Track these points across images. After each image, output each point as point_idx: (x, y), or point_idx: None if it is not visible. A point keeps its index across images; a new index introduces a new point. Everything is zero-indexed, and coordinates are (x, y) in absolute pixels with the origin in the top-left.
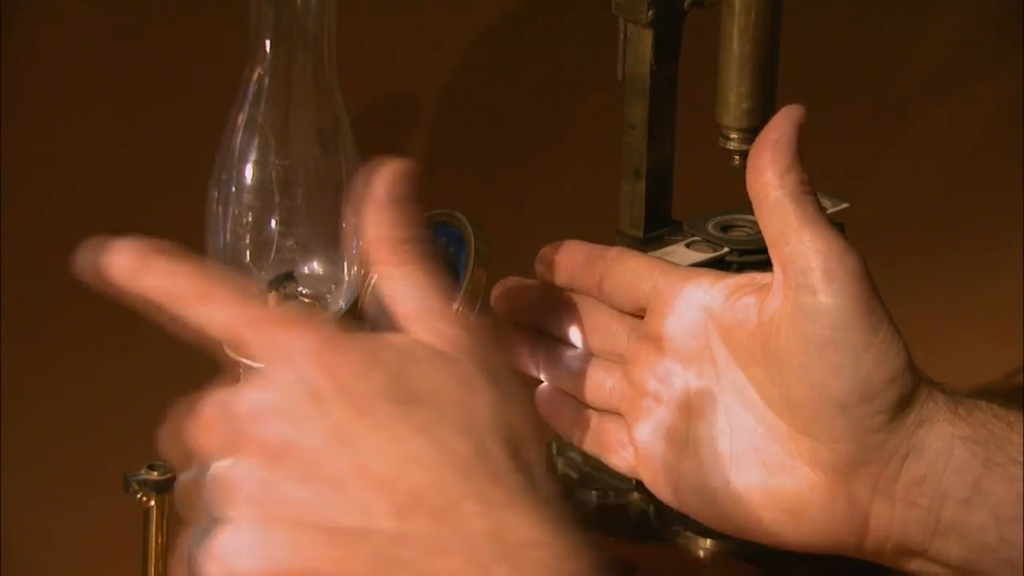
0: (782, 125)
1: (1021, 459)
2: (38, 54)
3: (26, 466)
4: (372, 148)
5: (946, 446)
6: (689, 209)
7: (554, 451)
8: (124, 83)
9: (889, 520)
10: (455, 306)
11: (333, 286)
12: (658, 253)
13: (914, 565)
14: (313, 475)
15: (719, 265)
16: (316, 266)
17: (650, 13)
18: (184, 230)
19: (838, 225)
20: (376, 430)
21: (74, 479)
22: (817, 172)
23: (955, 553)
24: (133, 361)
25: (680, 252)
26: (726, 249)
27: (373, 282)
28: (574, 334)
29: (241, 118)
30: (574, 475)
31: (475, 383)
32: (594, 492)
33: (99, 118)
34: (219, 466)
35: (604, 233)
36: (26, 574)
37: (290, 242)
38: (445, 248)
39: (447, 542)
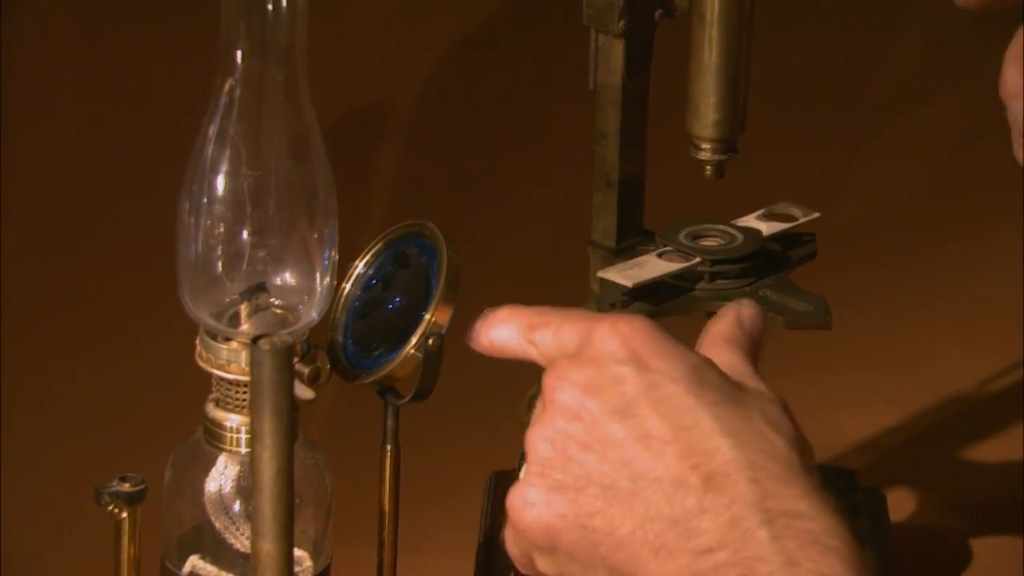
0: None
1: None
2: (8, 66)
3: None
4: (344, 158)
5: None
6: (662, 219)
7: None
8: (93, 95)
9: None
10: (428, 316)
11: (305, 297)
12: (630, 263)
13: None
14: (598, 439)
15: (691, 274)
16: (288, 277)
17: (621, 23)
18: (155, 241)
19: (809, 235)
20: (675, 397)
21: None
22: (789, 180)
23: None
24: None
25: (652, 262)
26: (698, 259)
27: (346, 292)
28: None
29: (212, 129)
30: None
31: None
32: None
33: (68, 129)
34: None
35: (576, 243)
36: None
37: (262, 253)
38: (417, 258)
39: (714, 503)
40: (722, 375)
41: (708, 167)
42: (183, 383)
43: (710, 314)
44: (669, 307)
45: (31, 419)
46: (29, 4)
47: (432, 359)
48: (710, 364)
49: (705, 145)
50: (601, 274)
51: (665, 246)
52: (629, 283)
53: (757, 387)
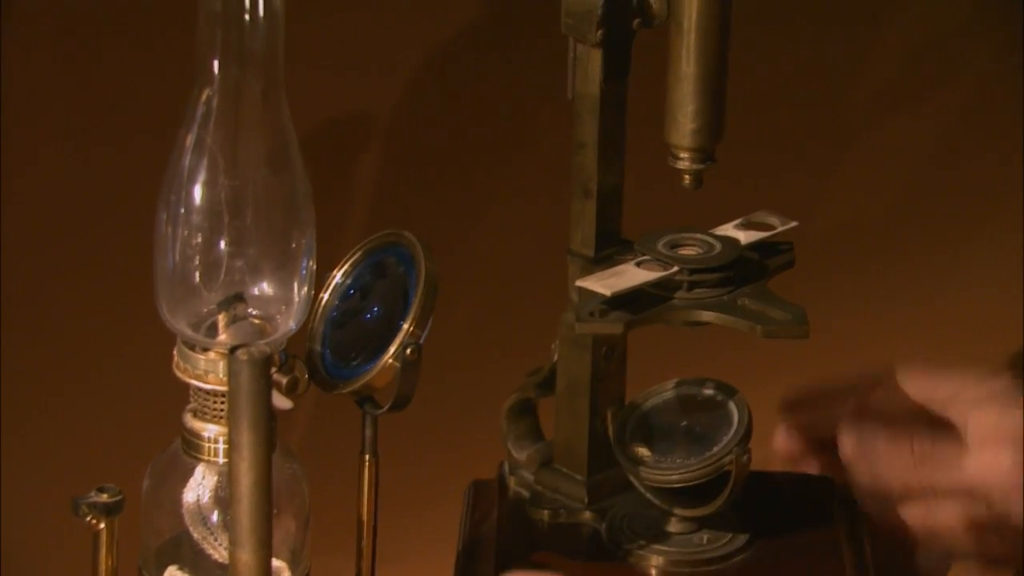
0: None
1: None
2: None
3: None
4: (322, 168)
5: None
6: (641, 228)
7: (506, 470)
8: (71, 104)
9: None
10: (406, 326)
11: (283, 307)
12: (608, 272)
13: None
14: None
15: (670, 283)
16: (266, 287)
17: (599, 33)
18: (132, 252)
19: (786, 243)
20: None
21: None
22: (768, 189)
23: None
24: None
25: (630, 271)
26: (676, 268)
27: (324, 302)
28: None
29: (190, 139)
30: (526, 494)
31: None
32: (546, 511)
33: (46, 138)
34: None
35: (555, 252)
36: None
37: (240, 263)
38: (395, 268)
39: None
40: None
41: (686, 176)
42: (161, 393)
43: (688, 323)
44: (647, 316)
45: (7, 430)
46: (6, 13)
47: (410, 369)
48: None
49: (683, 154)
50: (579, 283)
51: (643, 255)
52: (607, 292)
53: None
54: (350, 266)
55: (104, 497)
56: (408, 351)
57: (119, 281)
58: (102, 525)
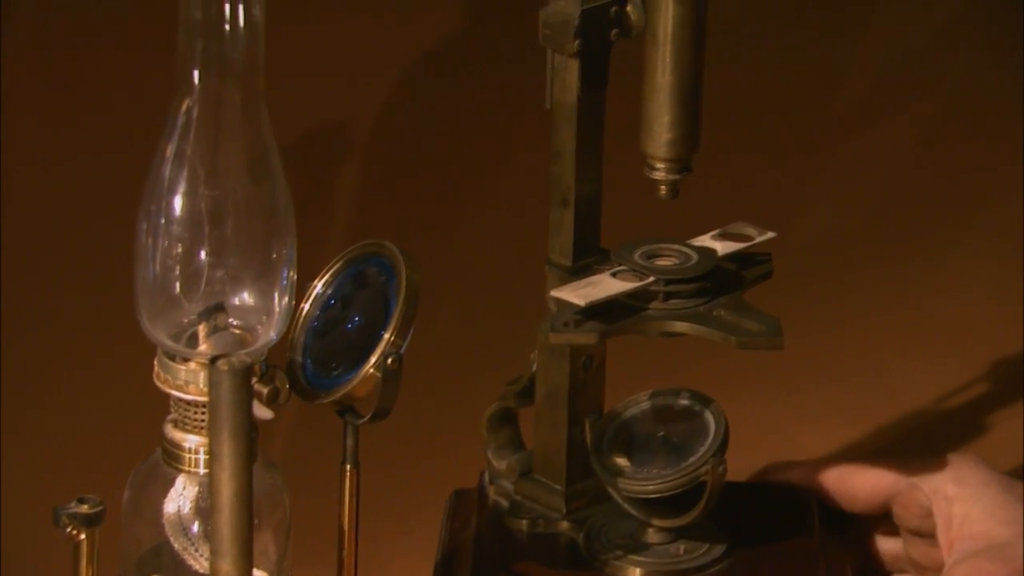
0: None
1: None
2: None
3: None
4: (303, 178)
5: None
6: (621, 237)
7: (486, 479)
8: (50, 113)
9: None
10: (387, 336)
11: (264, 317)
12: (584, 282)
13: None
14: None
15: (645, 294)
16: (247, 297)
17: (576, 43)
18: (112, 262)
19: (765, 254)
20: None
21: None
22: (745, 200)
23: None
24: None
25: (606, 281)
26: (652, 278)
27: (305, 312)
28: None
29: (170, 149)
30: (505, 503)
31: None
32: (524, 521)
33: (25, 147)
34: None
35: (536, 262)
36: None
37: (220, 273)
38: (376, 278)
39: None
40: None
41: (662, 187)
42: (142, 404)
43: (663, 334)
44: (621, 326)
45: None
46: None
47: (391, 378)
48: None
49: (659, 164)
50: (554, 293)
51: (619, 265)
52: (582, 302)
53: None
54: (331, 276)
55: (85, 508)
56: (389, 361)
57: (98, 291)
58: (83, 536)
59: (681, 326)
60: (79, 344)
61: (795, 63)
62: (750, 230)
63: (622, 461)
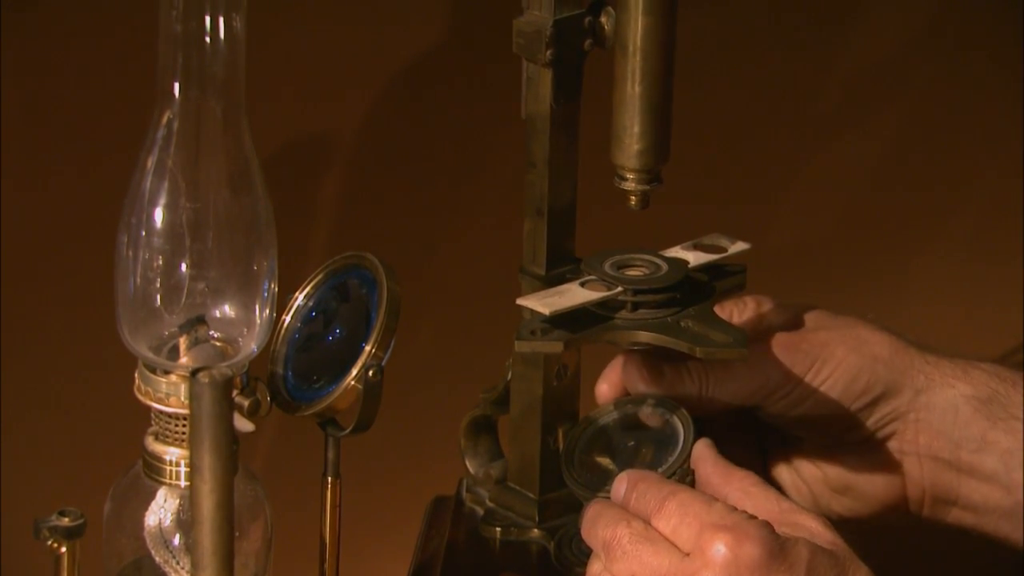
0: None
1: (1021, 415)
2: None
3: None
4: (283, 190)
5: (951, 404)
6: (596, 247)
7: (464, 487)
8: (30, 126)
9: (920, 474)
10: (368, 348)
11: (245, 329)
12: (552, 291)
13: (952, 516)
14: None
15: (614, 303)
16: (228, 309)
17: (548, 53)
18: (94, 274)
19: (738, 266)
20: None
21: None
22: (719, 210)
23: (978, 497)
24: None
25: (573, 291)
26: (620, 288)
27: (286, 324)
28: None
29: (151, 161)
30: (479, 511)
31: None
32: (498, 528)
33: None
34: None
35: (515, 272)
36: None
37: (201, 286)
38: (358, 290)
39: None
40: None
41: (633, 197)
42: (122, 416)
43: (630, 344)
44: (586, 335)
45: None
46: None
47: (372, 391)
48: None
49: (629, 175)
50: (520, 301)
51: (589, 275)
52: (547, 311)
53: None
54: (312, 288)
55: (65, 520)
56: (370, 373)
57: (78, 304)
58: (63, 548)
59: (646, 336)
60: (60, 357)
61: (767, 75)
62: (724, 241)
63: (597, 468)
